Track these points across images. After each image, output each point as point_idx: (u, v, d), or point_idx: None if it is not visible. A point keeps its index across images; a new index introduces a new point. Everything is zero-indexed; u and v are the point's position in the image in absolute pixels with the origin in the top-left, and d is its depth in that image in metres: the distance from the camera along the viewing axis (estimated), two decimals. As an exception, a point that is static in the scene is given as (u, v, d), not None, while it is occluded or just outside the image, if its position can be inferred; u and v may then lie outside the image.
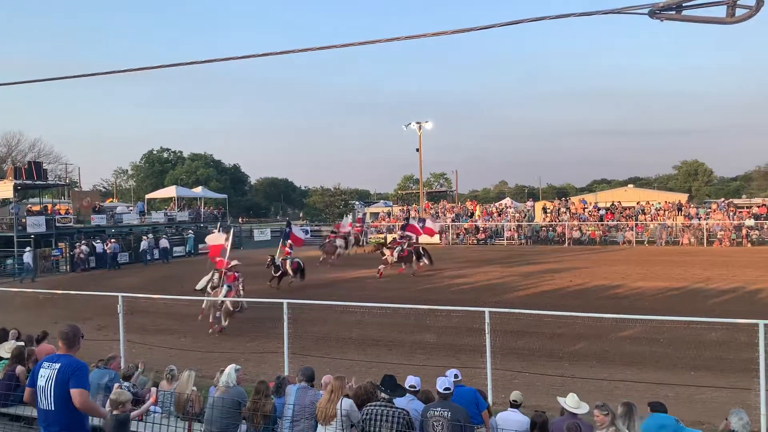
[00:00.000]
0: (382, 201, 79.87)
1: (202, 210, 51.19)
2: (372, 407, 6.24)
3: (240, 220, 67.20)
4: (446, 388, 6.40)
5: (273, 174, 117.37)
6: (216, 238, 19.04)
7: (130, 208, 48.51)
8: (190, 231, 43.23)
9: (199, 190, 55.52)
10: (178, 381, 7.97)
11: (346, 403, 6.30)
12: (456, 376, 7.53)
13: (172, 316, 17.85)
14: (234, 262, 17.65)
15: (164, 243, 39.01)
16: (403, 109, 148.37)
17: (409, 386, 6.90)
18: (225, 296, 16.26)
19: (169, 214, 46.65)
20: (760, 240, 37.65)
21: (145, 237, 37.72)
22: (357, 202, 79.44)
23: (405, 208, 54.71)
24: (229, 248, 18.06)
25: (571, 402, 6.72)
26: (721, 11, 3.56)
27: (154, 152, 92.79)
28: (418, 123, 49.84)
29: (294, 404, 6.71)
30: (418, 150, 50.68)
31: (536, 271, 27.04)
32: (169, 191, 52.78)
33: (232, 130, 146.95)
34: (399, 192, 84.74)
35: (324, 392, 6.74)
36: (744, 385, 9.52)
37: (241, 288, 17.66)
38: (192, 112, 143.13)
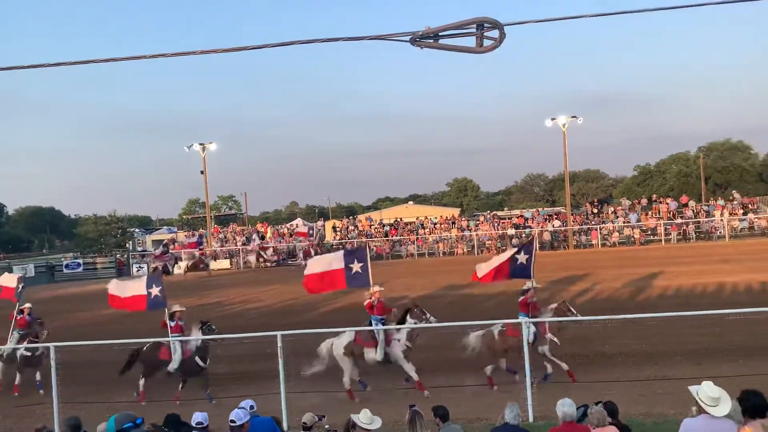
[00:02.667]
0: (165, 227, 75.61)
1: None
2: (155, 451, 5.76)
3: (-4, 256, 58.95)
4: (232, 421, 6.15)
5: (36, 202, 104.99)
6: (7, 279, 15.67)
7: None
8: None
9: (-60, 225, 47.65)
10: None
11: (127, 450, 5.73)
12: (252, 407, 7.29)
13: None
14: (27, 305, 14.68)
15: None
16: (184, 130, 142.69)
17: (196, 423, 6.50)
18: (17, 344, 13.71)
19: None
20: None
21: None
22: (137, 230, 74.30)
23: (191, 233, 52.37)
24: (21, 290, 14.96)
25: (363, 418, 6.86)
26: (471, 41, 3.90)
27: None
28: (201, 144, 48.21)
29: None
30: (202, 172, 48.99)
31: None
32: None
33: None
34: (184, 217, 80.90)
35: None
36: (517, 379, 10.59)
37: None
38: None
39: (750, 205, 44.10)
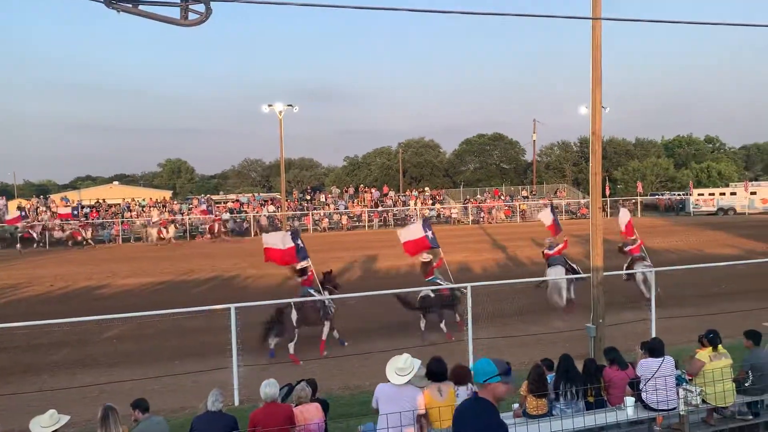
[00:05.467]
0: None
1: None
2: None
3: None
4: None
5: None
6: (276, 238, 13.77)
7: None
8: None
9: None
10: None
11: None
12: None
13: None
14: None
15: None
16: None
17: None
18: None
19: None
20: (236, 231, 42.11)
21: None
22: None
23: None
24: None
25: (45, 420, 6.14)
26: (176, 12, 3.68)
27: None
28: None
29: None
30: None
31: (11, 278, 23.96)
32: None
33: None
34: None
35: None
36: (222, 364, 10.46)
37: None
38: None
39: (438, 197, 50.50)
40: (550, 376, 7.56)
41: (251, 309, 12.49)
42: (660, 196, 53.89)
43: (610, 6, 9.98)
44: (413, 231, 15.06)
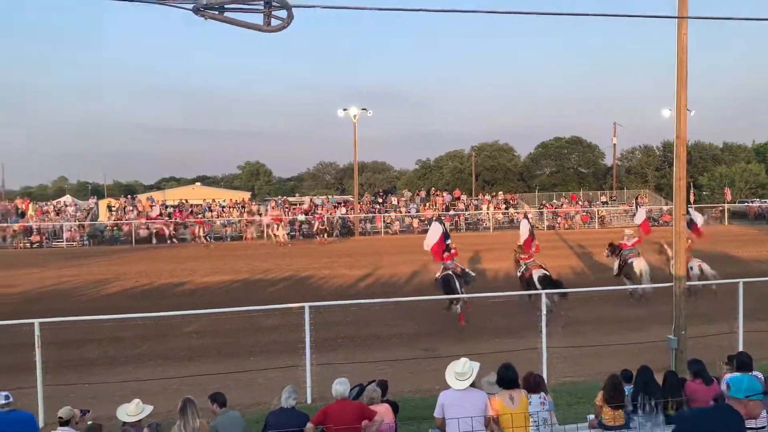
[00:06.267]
0: None
1: None
2: None
3: None
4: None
5: None
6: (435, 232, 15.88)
7: None
8: None
9: None
10: None
11: None
12: (7, 397, 6.48)
13: None
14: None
15: None
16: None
17: None
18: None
19: None
20: (309, 233, 42.90)
21: None
22: None
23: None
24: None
25: (131, 409, 6.48)
26: (259, 19, 3.80)
27: None
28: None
29: None
30: (-52, 137, 42.12)
31: (100, 274, 25.34)
32: None
33: None
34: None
35: None
36: (294, 362, 10.69)
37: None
38: None
39: (511, 201, 49.69)
40: (628, 388, 7.30)
41: (325, 308, 12.76)
42: (750, 204, 51.06)
43: (696, 4, 9.55)
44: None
